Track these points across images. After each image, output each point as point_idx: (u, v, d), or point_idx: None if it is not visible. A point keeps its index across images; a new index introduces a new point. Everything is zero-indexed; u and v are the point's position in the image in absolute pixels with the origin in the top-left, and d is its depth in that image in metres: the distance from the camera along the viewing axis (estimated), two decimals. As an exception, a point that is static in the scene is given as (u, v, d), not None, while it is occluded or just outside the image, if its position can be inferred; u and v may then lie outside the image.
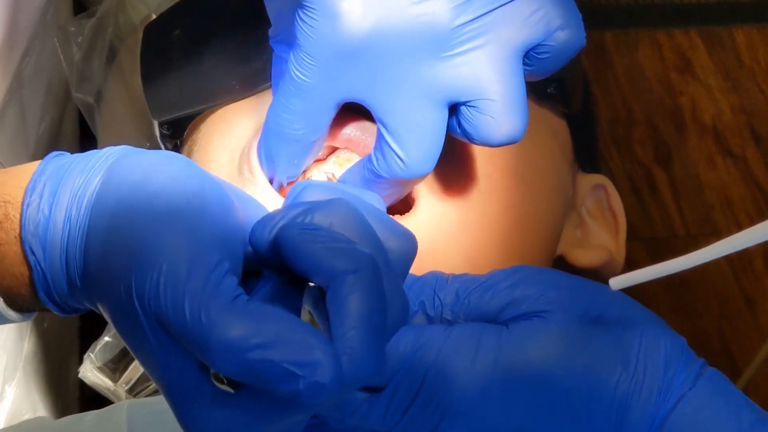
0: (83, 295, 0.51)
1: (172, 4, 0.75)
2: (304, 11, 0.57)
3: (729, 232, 1.39)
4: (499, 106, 0.57)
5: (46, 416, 0.85)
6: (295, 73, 0.58)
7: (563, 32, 0.58)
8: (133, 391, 0.81)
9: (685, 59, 1.57)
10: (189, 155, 0.70)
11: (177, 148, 0.75)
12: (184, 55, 0.70)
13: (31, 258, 0.51)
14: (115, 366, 0.82)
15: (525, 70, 0.59)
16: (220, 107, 0.69)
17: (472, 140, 0.59)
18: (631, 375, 0.53)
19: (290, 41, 0.59)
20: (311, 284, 0.49)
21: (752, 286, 1.39)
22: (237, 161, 0.65)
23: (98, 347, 0.82)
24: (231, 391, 0.48)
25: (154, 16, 0.81)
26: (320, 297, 0.48)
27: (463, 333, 0.54)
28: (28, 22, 0.79)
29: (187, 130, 0.73)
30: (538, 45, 0.58)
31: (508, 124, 0.58)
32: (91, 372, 0.81)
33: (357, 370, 0.46)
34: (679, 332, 0.57)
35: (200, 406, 0.47)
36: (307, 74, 0.58)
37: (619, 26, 1.61)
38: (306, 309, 0.49)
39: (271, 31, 0.61)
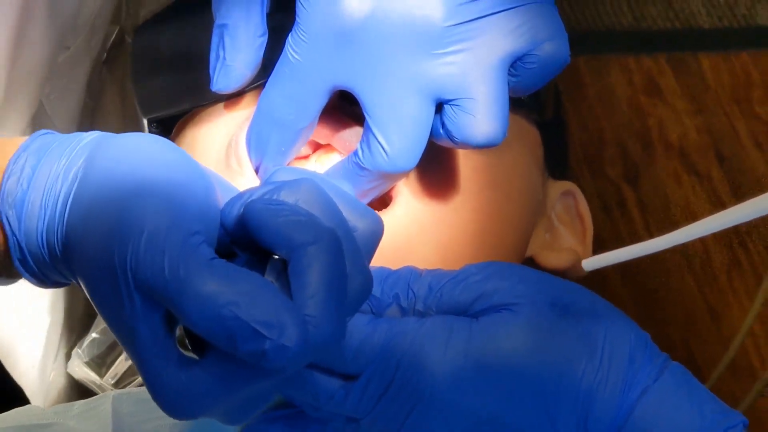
0: (63, 266, 0.52)
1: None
2: None
3: (694, 248, 1.44)
4: (482, 107, 0.59)
5: (35, 405, 0.86)
6: (290, 53, 0.60)
7: (550, 44, 0.60)
8: (119, 384, 0.83)
9: (653, 83, 1.60)
10: None
11: None
12: (173, 55, 0.71)
13: (7, 227, 0.53)
14: (102, 361, 0.83)
15: (510, 80, 0.61)
16: (208, 107, 0.70)
17: (453, 140, 0.60)
18: (596, 366, 0.55)
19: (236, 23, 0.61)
20: (275, 257, 0.50)
21: (716, 299, 1.41)
22: (223, 156, 0.66)
23: (86, 343, 0.83)
24: (196, 357, 0.49)
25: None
26: (283, 269, 0.49)
27: (436, 324, 0.56)
28: None
29: (175, 128, 0.74)
30: (525, 55, 0.60)
31: (488, 125, 0.59)
32: (78, 367, 0.83)
33: (315, 336, 0.47)
34: (645, 342, 0.59)
35: (167, 369, 0.48)
36: (301, 53, 0.60)
37: (591, 51, 1.64)
38: (270, 280, 0.51)
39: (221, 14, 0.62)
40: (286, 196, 0.51)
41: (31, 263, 0.53)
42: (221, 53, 0.63)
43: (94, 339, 0.84)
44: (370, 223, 0.54)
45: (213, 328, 0.47)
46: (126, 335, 0.49)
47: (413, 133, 0.60)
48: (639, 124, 1.55)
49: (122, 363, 0.83)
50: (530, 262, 0.76)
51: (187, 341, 0.50)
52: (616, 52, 1.65)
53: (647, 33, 1.69)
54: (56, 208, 0.52)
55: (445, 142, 0.61)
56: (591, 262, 0.56)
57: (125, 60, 0.85)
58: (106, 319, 0.50)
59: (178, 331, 0.50)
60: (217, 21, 0.63)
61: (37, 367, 0.86)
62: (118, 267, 0.48)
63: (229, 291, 0.47)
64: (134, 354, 0.49)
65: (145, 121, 0.76)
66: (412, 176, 0.66)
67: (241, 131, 0.65)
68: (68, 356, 0.86)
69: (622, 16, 1.70)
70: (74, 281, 0.53)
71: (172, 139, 0.74)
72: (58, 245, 0.52)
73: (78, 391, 0.88)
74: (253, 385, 0.49)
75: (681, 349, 1.35)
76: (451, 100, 0.60)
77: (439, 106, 0.61)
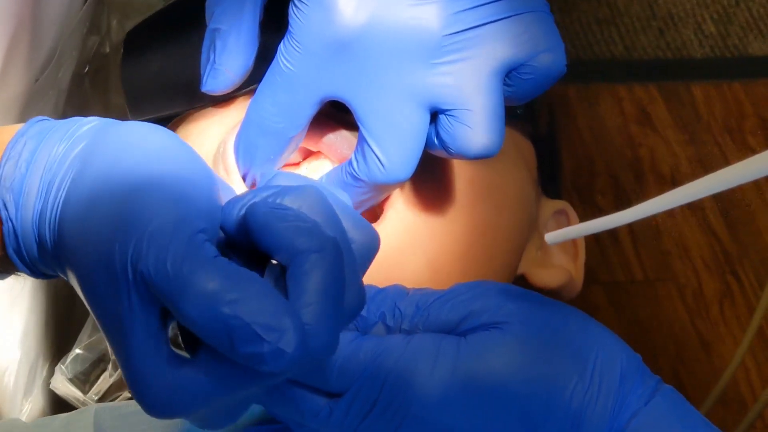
0: (53, 257, 0.51)
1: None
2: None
3: (686, 278, 1.43)
4: (478, 118, 0.58)
5: (16, 418, 0.85)
6: (282, 62, 0.60)
7: (547, 55, 0.59)
8: (102, 401, 0.82)
9: (644, 113, 1.61)
10: None
11: None
12: (163, 59, 0.71)
13: (3, 213, 0.52)
14: (86, 378, 0.83)
15: (505, 90, 0.60)
16: (197, 110, 0.70)
17: (448, 151, 0.59)
18: (586, 387, 0.54)
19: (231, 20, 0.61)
20: (273, 262, 0.50)
21: (708, 330, 1.41)
22: (211, 162, 0.65)
23: (69, 359, 0.83)
24: (187, 356, 0.48)
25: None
26: (281, 275, 0.49)
27: (423, 342, 0.55)
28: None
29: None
30: (522, 65, 0.59)
31: (484, 136, 0.58)
32: (61, 383, 0.82)
33: (312, 344, 0.46)
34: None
35: (156, 365, 0.47)
36: (294, 63, 0.59)
37: (581, 80, 1.65)
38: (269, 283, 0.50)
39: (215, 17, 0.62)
40: (290, 202, 0.50)
41: (24, 252, 0.52)
42: (212, 56, 0.63)
43: (77, 355, 0.83)
44: (368, 236, 0.53)
45: (212, 326, 0.46)
46: (117, 329, 0.48)
47: (409, 143, 0.59)
48: (630, 154, 1.56)
49: (106, 380, 0.82)
50: (522, 280, 0.75)
51: (180, 340, 0.49)
52: (607, 81, 1.66)
53: (638, 62, 1.70)
54: (52, 194, 0.51)
55: (439, 153, 0.61)
56: (554, 236, 0.54)
57: (107, 71, 0.85)
58: (96, 312, 0.49)
59: (171, 331, 0.49)
60: (210, 24, 0.63)
61: (13, 382, 0.85)
62: (119, 259, 0.47)
63: (231, 290, 0.46)
64: (122, 348, 0.48)
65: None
66: (405, 187, 0.66)
67: (230, 137, 0.65)
68: (49, 372, 0.85)
69: (613, 46, 1.71)
70: (61, 273, 0.52)
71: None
72: (50, 232, 0.51)
73: (59, 407, 0.86)
74: (243, 388, 0.48)
75: (671, 379, 1.34)
76: (446, 110, 0.59)
77: (434, 115, 0.60)
